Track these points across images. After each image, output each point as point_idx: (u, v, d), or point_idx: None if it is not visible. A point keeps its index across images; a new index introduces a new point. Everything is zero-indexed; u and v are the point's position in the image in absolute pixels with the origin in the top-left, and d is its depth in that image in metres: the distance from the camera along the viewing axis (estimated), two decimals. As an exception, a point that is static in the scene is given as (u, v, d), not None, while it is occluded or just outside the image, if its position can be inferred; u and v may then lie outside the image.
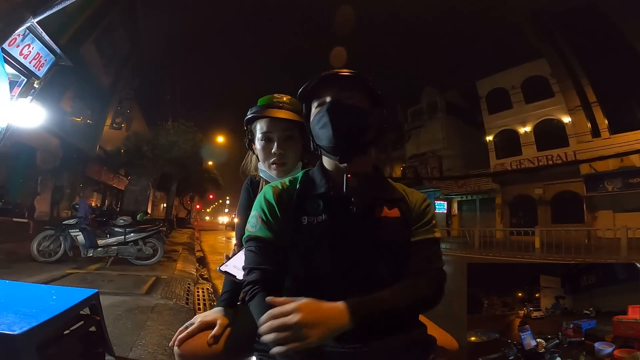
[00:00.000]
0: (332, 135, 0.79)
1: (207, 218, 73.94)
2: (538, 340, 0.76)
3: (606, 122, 13.58)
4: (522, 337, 0.77)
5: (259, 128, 1.09)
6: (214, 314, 1.01)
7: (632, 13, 11.84)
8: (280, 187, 0.87)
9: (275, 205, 0.83)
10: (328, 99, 0.82)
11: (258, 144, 1.11)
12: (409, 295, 0.74)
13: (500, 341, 0.78)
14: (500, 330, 0.79)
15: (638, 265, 0.74)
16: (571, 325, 0.75)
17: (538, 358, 0.76)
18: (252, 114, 1.10)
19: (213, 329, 0.96)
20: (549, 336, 0.76)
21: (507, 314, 0.81)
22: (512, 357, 0.77)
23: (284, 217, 0.82)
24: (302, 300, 0.66)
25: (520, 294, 0.81)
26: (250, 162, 1.24)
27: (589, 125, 14.03)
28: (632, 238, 8.39)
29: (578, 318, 0.76)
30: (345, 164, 0.82)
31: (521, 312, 0.80)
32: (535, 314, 0.79)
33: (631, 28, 12.12)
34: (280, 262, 0.80)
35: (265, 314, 0.66)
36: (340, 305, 0.67)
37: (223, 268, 1.06)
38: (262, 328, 0.64)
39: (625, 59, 12.26)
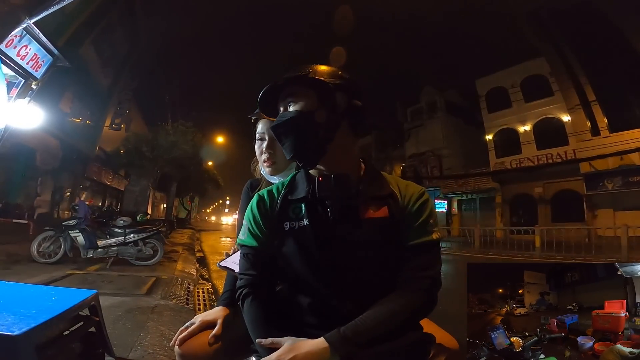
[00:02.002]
0: (284, 150, 0.83)
1: (213, 218, 72.22)
2: (513, 338, 0.76)
3: (605, 120, 13.58)
4: (493, 336, 0.76)
5: (257, 129, 1.15)
6: (215, 313, 1.02)
7: (630, 11, 11.85)
8: (265, 195, 0.88)
9: (258, 214, 0.85)
10: (281, 110, 0.84)
11: (255, 144, 1.16)
12: (396, 315, 0.71)
13: (468, 342, 0.78)
14: (477, 330, 0.79)
15: (617, 265, 0.77)
16: (555, 321, 0.77)
17: (516, 357, 0.75)
18: (252, 116, 1.16)
19: (214, 328, 0.97)
20: (527, 333, 0.76)
21: (486, 312, 0.80)
22: (483, 359, 0.76)
23: (267, 225, 0.83)
24: (284, 346, 0.68)
25: (500, 291, 0.81)
26: (256, 162, 1.27)
27: (589, 123, 14.03)
28: (633, 236, 8.39)
29: (562, 313, 0.77)
30: (317, 166, 0.82)
31: (503, 310, 0.79)
32: (518, 310, 0.79)
33: (630, 26, 12.12)
34: (266, 268, 0.82)
35: None
36: (321, 344, 0.67)
37: (222, 263, 1.10)
38: None
39: (624, 58, 12.27)
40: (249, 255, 0.84)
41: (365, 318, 0.70)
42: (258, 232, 0.84)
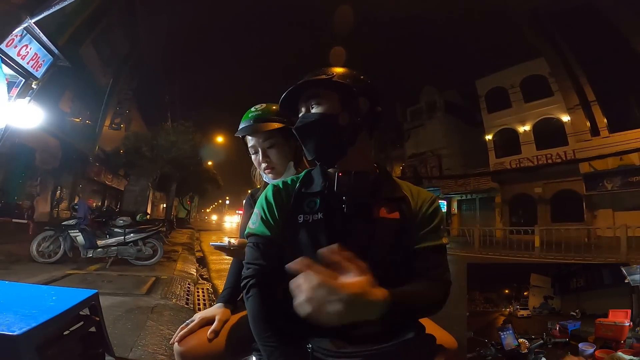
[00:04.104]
0: (306, 150, 0.84)
1: (214, 217, 70.23)
2: (520, 340, 0.76)
3: (605, 120, 13.58)
4: (502, 336, 0.77)
5: (248, 144, 1.21)
6: (214, 310, 1.03)
7: (630, 11, 11.86)
8: (281, 186, 0.88)
9: (273, 203, 0.85)
10: (302, 110, 0.85)
11: (252, 157, 1.22)
12: (424, 297, 0.74)
13: (475, 340, 0.78)
14: (480, 328, 0.79)
15: (624, 271, 0.77)
16: (557, 326, 0.77)
17: (521, 358, 0.75)
18: (237, 134, 1.20)
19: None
20: (533, 336, 0.77)
21: (490, 311, 0.80)
22: (489, 358, 0.76)
23: (282, 215, 0.83)
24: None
25: (506, 291, 0.81)
26: (255, 169, 1.31)
27: (588, 124, 14.03)
28: (632, 237, 8.39)
29: (565, 319, 0.77)
30: (335, 167, 0.84)
31: (507, 310, 0.80)
32: (521, 312, 0.79)
33: (629, 26, 12.13)
34: (276, 258, 0.81)
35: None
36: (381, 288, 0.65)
37: (214, 244, 1.14)
38: (295, 284, 0.59)
39: (623, 58, 12.27)
40: (259, 244, 0.82)
41: (404, 289, 0.71)
42: (271, 221, 0.83)
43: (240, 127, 1.18)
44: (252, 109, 1.19)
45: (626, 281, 0.76)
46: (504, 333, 0.77)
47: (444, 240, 0.82)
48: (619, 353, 0.72)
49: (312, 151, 0.83)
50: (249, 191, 1.30)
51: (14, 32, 3.84)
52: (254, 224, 0.86)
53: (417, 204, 0.83)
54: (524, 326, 0.78)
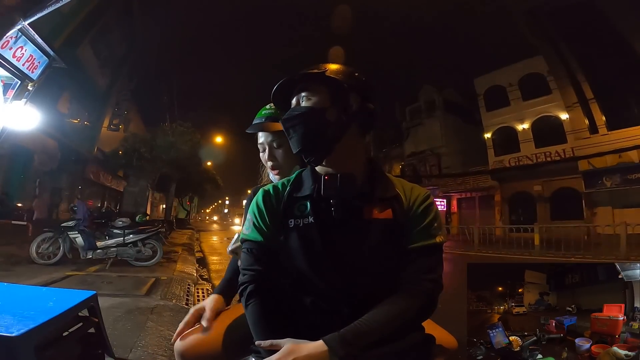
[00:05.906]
0: (291, 143, 0.83)
1: (215, 218, 69.82)
2: (512, 337, 0.75)
3: (604, 118, 13.62)
4: (491, 335, 0.76)
5: (259, 141, 1.20)
6: (208, 301, 1.05)
7: (628, 9, 11.87)
8: (271, 190, 0.87)
9: (263, 209, 0.84)
10: (294, 103, 0.84)
11: (260, 154, 1.22)
12: (397, 318, 0.71)
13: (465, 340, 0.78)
14: (474, 327, 0.78)
15: (618, 267, 0.78)
16: (553, 322, 0.77)
17: (514, 356, 0.74)
18: (248, 131, 1.21)
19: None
20: (526, 333, 0.76)
21: (483, 309, 0.80)
22: (480, 357, 0.75)
23: (273, 220, 0.83)
24: (283, 348, 0.68)
25: (500, 289, 0.80)
26: (264, 167, 1.32)
27: (587, 121, 14.06)
28: (632, 234, 8.41)
29: (561, 314, 0.78)
30: (324, 165, 0.83)
31: (501, 308, 0.79)
32: (517, 309, 0.79)
33: (627, 24, 12.14)
34: (270, 263, 0.81)
35: None
36: (321, 347, 0.67)
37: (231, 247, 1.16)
38: None
39: (621, 55, 12.29)
40: (253, 250, 0.82)
41: (365, 320, 0.70)
42: (263, 227, 0.83)
43: (253, 123, 1.19)
44: (267, 106, 1.19)
45: (620, 277, 0.77)
46: (493, 331, 0.76)
47: (438, 239, 0.79)
48: (615, 348, 0.72)
49: (297, 144, 0.81)
50: (254, 188, 1.29)
51: (8, 34, 3.83)
52: (247, 229, 0.85)
53: (409, 202, 0.81)
54: (520, 323, 0.77)
